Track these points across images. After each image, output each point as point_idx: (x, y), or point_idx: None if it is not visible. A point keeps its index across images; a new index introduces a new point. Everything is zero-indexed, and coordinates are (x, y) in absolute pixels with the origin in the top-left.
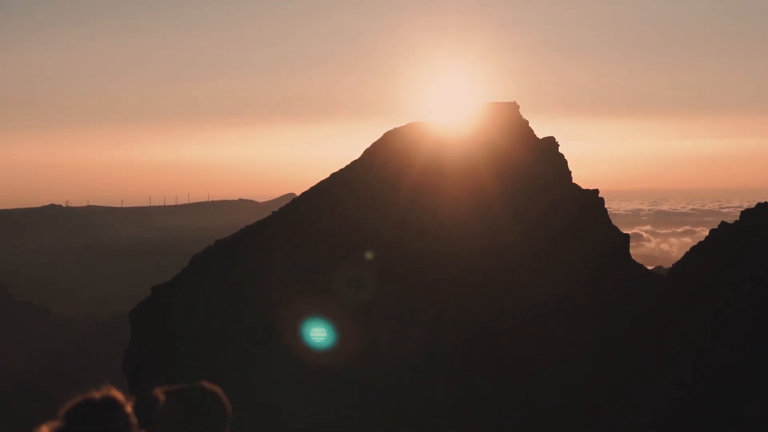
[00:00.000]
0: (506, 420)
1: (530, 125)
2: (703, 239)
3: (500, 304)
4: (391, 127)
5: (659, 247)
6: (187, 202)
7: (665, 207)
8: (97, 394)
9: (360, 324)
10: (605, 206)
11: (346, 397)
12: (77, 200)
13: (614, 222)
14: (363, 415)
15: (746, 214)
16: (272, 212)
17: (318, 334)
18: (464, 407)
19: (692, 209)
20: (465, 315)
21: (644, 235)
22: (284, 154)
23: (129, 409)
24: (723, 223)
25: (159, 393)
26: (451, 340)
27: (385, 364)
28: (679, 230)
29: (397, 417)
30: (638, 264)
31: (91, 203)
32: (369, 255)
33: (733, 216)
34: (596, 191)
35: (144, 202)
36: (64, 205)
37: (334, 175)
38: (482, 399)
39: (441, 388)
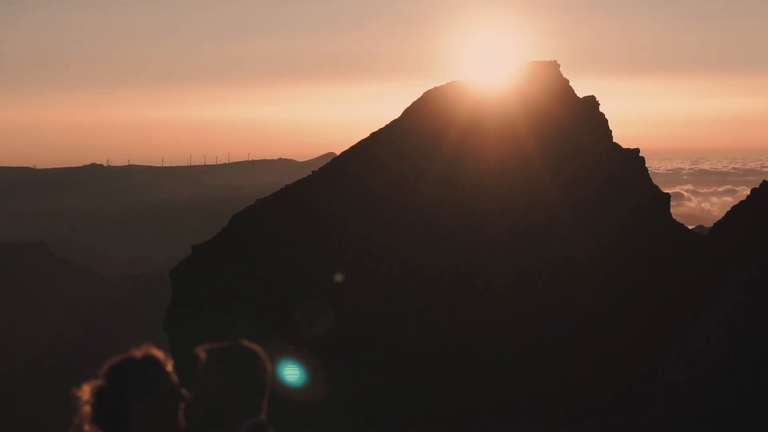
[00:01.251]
0: (540, 373)
1: (571, 84)
2: (744, 198)
3: (539, 263)
4: (431, 86)
5: (700, 206)
6: (227, 162)
7: (706, 166)
8: (137, 353)
9: (406, 285)
10: (646, 165)
11: (393, 355)
12: (118, 160)
13: (655, 181)
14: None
15: None
16: (312, 171)
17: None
18: (500, 358)
19: (733, 168)
20: (503, 273)
21: (685, 194)
22: (324, 114)
23: (170, 367)
24: (765, 182)
25: (200, 351)
26: (490, 295)
27: (427, 319)
28: (720, 189)
29: (436, 361)
30: (679, 223)
31: (131, 163)
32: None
33: None
34: (637, 150)
35: (184, 162)
36: (105, 164)
37: (374, 135)
38: (515, 351)
39: (479, 340)
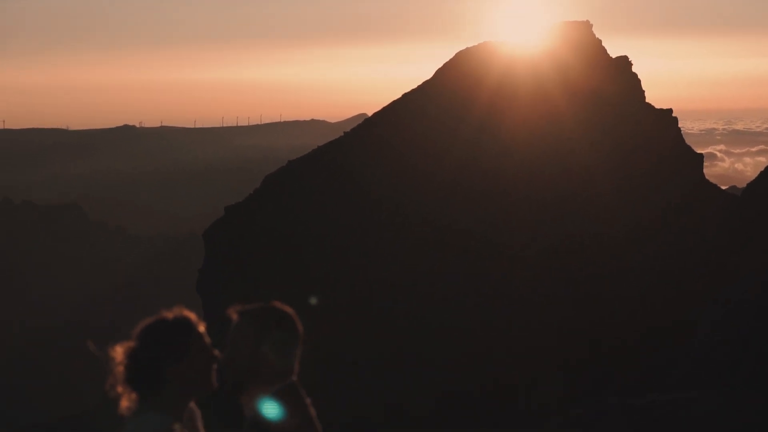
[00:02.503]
0: (567, 339)
1: (603, 44)
2: None
3: (572, 223)
4: (462, 47)
5: (733, 166)
6: (259, 123)
7: (739, 126)
8: (170, 314)
9: (433, 245)
10: (679, 126)
11: (426, 318)
12: (151, 121)
13: (688, 142)
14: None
15: None
16: (344, 132)
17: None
18: (524, 321)
19: (767, 128)
20: (536, 235)
21: (718, 154)
22: (356, 75)
23: (202, 328)
24: None
25: (231, 312)
26: (522, 259)
27: (453, 278)
28: (754, 150)
29: (462, 319)
30: (712, 184)
31: (164, 124)
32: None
33: None
34: (670, 111)
35: (216, 123)
36: (137, 125)
37: (406, 96)
38: (547, 318)
39: (504, 302)
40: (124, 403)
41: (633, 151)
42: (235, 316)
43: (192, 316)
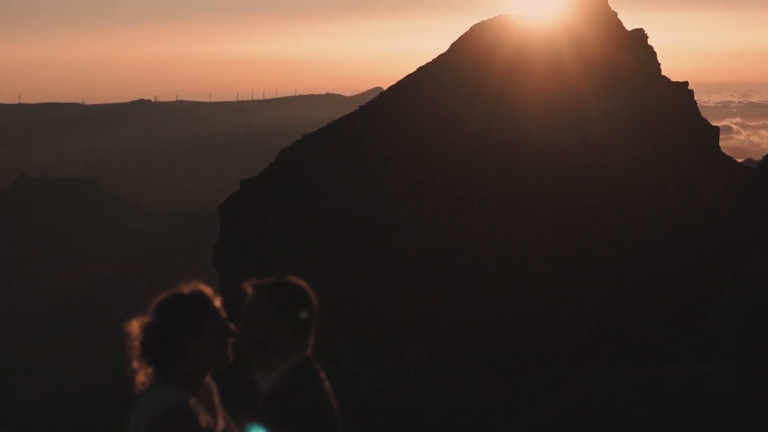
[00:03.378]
0: (589, 312)
1: (619, 17)
2: None
3: (589, 194)
4: (477, 21)
5: (749, 139)
6: (274, 97)
7: (755, 99)
8: (186, 289)
9: (451, 218)
10: (695, 99)
11: (446, 286)
12: (166, 95)
13: (704, 114)
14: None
15: None
16: (359, 106)
17: None
18: (544, 294)
19: None
20: (553, 204)
21: (734, 127)
22: (371, 48)
23: (218, 303)
24: None
25: (247, 287)
26: (539, 228)
27: (472, 251)
28: None
29: (481, 292)
30: (728, 157)
31: (179, 98)
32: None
33: None
34: (685, 84)
35: (232, 97)
36: (153, 99)
37: (421, 69)
38: (561, 289)
39: (523, 275)
40: (141, 378)
41: (649, 123)
42: (250, 291)
43: (208, 290)
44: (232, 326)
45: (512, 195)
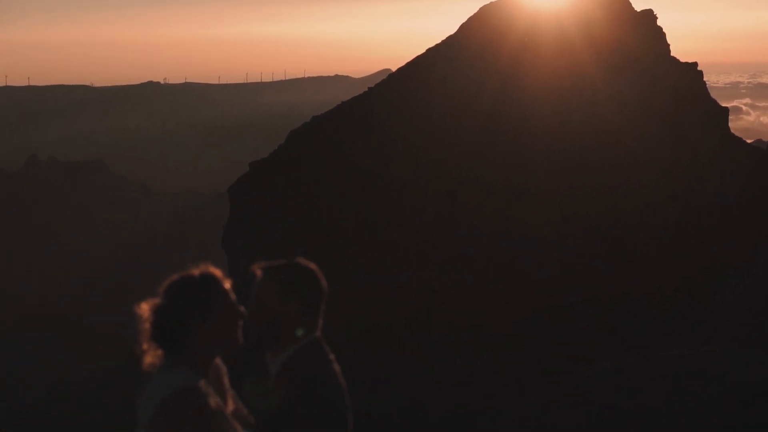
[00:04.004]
0: (599, 294)
1: None
2: None
3: (597, 175)
4: (486, 2)
5: (759, 120)
6: (283, 78)
7: (765, 79)
8: (196, 271)
9: (461, 199)
10: (704, 79)
11: (455, 265)
12: (175, 77)
13: (713, 95)
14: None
15: None
16: (368, 88)
17: None
18: (553, 275)
19: None
20: (562, 185)
21: (743, 108)
22: (380, 30)
23: (228, 285)
24: None
25: (256, 269)
26: (548, 209)
27: (480, 231)
28: None
29: (490, 273)
30: (737, 137)
31: (188, 80)
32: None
33: None
34: (695, 64)
35: (241, 79)
36: (162, 82)
37: (430, 50)
38: (569, 271)
39: (533, 255)
40: (150, 360)
41: (658, 104)
42: (259, 273)
43: (218, 273)
44: (242, 309)
45: (520, 176)
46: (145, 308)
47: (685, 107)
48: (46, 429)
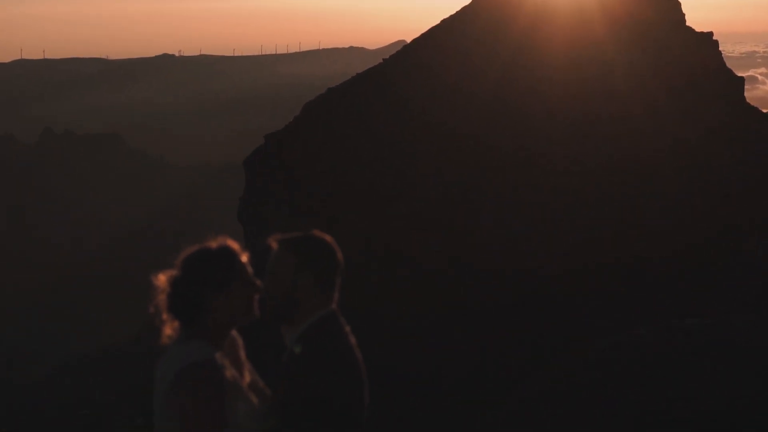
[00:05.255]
0: (604, 260)
1: None
2: None
3: (611, 144)
4: None
5: None
6: (298, 50)
7: None
8: (213, 243)
9: (474, 164)
10: (719, 49)
11: (471, 233)
12: (189, 49)
13: (729, 65)
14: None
15: None
16: (383, 59)
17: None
18: (560, 247)
19: None
20: (575, 154)
21: (759, 77)
22: (395, 0)
23: (245, 258)
24: None
25: (272, 241)
26: (561, 177)
27: (493, 198)
28: None
29: (501, 241)
30: (753, 107)
31: (203, 52)
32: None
33: None
34: (710, 34)
35: (255, 51)
36: (176, 54)
37: (445, 21)
38: (583, 238)
39: (544, 228)
40: (167, 332)
41: (673, 74)
42: (274, 245)
43: (235, 245)
44: (258, 282)
45: (535, 143)
46: (162, 279)
47: (700, 77)
48: (57, 404)
